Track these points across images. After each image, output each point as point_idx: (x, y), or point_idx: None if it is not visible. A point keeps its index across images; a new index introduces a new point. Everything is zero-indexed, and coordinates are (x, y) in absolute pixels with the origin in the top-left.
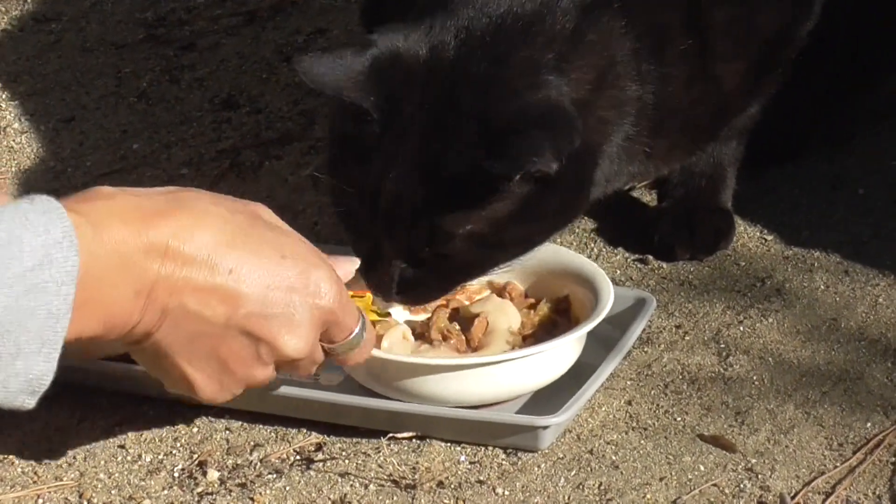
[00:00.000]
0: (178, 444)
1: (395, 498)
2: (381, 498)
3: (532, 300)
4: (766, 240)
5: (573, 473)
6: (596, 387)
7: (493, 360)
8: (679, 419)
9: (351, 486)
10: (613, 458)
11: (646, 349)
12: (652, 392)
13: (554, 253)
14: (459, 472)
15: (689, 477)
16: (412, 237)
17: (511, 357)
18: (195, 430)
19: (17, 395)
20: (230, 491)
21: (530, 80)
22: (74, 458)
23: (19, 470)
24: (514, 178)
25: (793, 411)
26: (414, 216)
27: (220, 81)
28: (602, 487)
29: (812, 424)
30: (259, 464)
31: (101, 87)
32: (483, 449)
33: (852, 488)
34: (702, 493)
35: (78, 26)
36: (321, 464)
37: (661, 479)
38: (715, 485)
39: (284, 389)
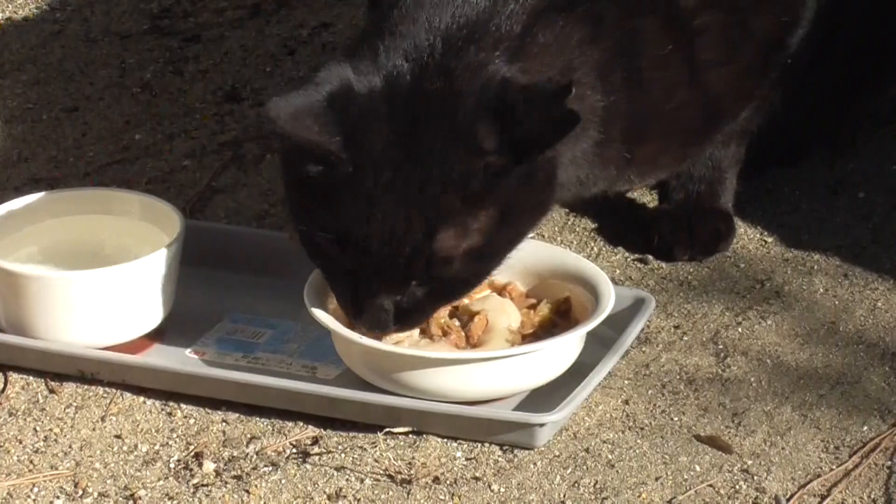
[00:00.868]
0: (175, 436)
1: (390, 493)
2: (376, 492)
3: (533, 300)
4: (766, 242)
5: (569, 471)
6: (593, 385)
7: (491, 356)
8: (676, 419)
9: (346, 480)
10: (609, 456)
11: (644, 349)
12: (649, 392)
13: (555, 255)
14: (455, 468)
15: (685, 477)
16: (409, 271)
17: (509, 353)
18: (192, 421)
19: None
20: (226, 483)
21: (485, 75)
22: (70, 447)
23: (15, 458)
24: (535, 152)
25: (790, 413)
26: (412, 251)
27: (223, 74)
28: (598, 486)
29: (809, 427)
30: (255, 456)
31: (105, 78)
32: (479, 445)
33: (848, 491)
34: (697, 493)
35: (82, 16)
36: (317, 457)
37: (656, 479)
38: (710, 485)
39: (281, 382)
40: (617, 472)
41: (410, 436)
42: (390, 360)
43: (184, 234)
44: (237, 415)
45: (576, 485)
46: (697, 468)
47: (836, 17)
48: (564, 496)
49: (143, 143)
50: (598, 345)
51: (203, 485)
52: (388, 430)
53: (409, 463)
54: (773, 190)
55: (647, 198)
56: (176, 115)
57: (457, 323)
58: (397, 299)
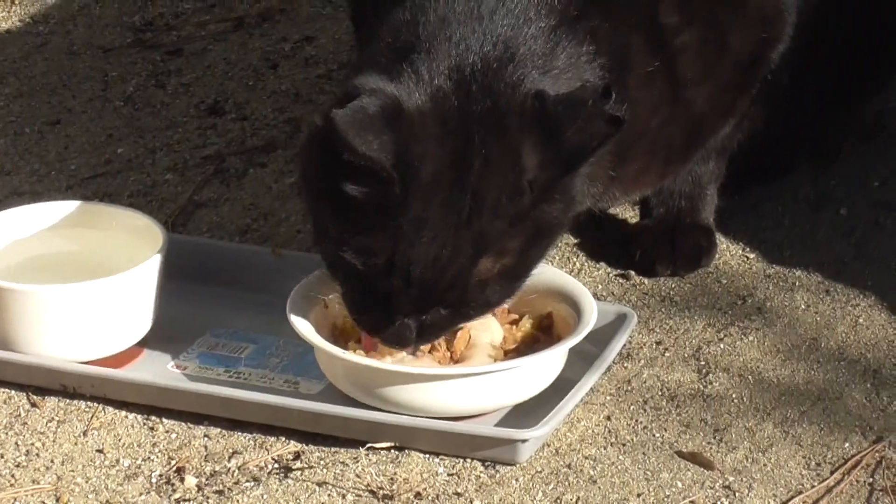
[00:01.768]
0: (157, 450)
1: None
2: None
3: (515, 316)
4: (748, 258)
5: (551, 487)
6: (575, 401)
7: (474, 372)
8: (658, 435)
9: (328, 495)
10: (591, 472)
11: (626, 365)
12: (631, 408)
13: (538, 271)
14: (437, 484)
15: (667, 493)
16: (445, 295)
17: (492, 369)
18: (174, 435)
19: None
20: (207, 498)
21: (523, 92)
22: (52, 461)
23: None
24: (600, 140)
25: (771, 430)
26: (453, 276)
27: (206, 87)
28: (579, 502)
29: (790, 443)
30: (237, 471)
31: (88, 91)
32: (461, 461)
33: None
34: None
35: (65, 29)
36: (299, 472)
37: (638, 496)
38: (692, 502)
39: (263, 397)
40: (599, 488)
41: (393, 451)
42: (373, 375)
43: (166, 249)
44: (219, 430)
45: (558, 501)
46: (679, 484)
47: (817, 32)
48: None
49: (125, 157)
50: (581, 360)
51: (185, 500)
52: (370, 445)
53: (392, 478)
54: (755, 205)
55: (629, 213)
56: (158, 128)
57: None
58: (422, 318)
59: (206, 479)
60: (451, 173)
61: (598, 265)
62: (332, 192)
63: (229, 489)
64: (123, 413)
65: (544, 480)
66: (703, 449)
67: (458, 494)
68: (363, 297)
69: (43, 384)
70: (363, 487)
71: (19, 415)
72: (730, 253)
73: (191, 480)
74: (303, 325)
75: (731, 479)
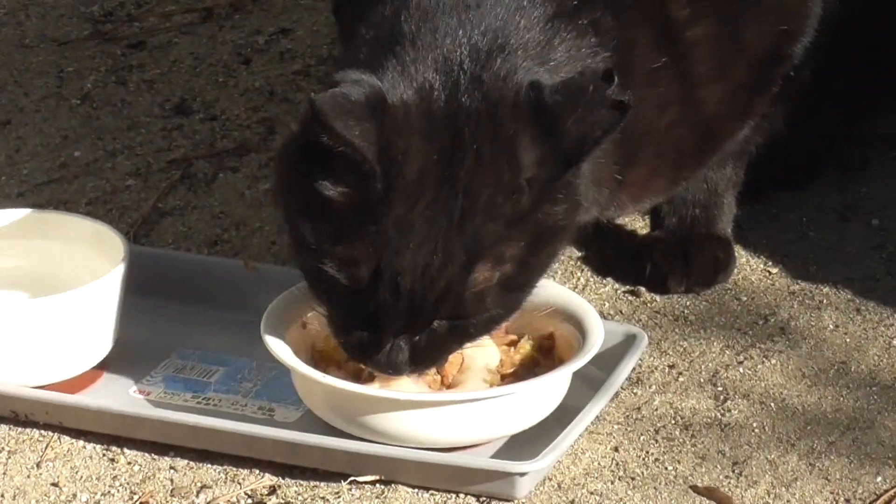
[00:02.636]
0: (118, 484)
1: None
2: None
3: (513, 337)
4: (770, 273)
5: None
6: (579, 431)
7: (467, 398)
8: (671, 468)
9: None
10: None
11: (635, 390)
12: (641, 438)
13: (538, 287)
14: None
15: None
16: (438, 308)
17: (487, 395)
18: (136, 468)
19: None
20: None
21: (517, 82)
22: (2, 496)
23: None
24: (607, 128)
25: (796, 462)
26: (445, 286)
27: (171, 84)
28: None
29: (817, 477)
30: None
31: (41, 88)
32: (454, 496)
33: None
34: None
35: (16, 20)
36: None
37: None
38: None
39: (235, 425)
40: None
41: (378, 486)
42: (356, 401)
43: (128, 261)
44: (186, 461)
45: None
46: None
47: (844, 25)
48: None
49: (82, 160)
50: (585, 386)
51: None
52: (353, 479)
53: None
54: (777, 216)
55: (638, 224)
56: (119, 129)
57: None
58: (415, 339)
59: None
60: (439, 171)
61: (604, 281)
62: (309, 198)
63: None
64: (81, 443)
65: None
66: (721, 483)
67: None
68: (349, 316)
69: None
70: None
71: None
72: (750, 267)
73: None
74: (278, 347)
75: None
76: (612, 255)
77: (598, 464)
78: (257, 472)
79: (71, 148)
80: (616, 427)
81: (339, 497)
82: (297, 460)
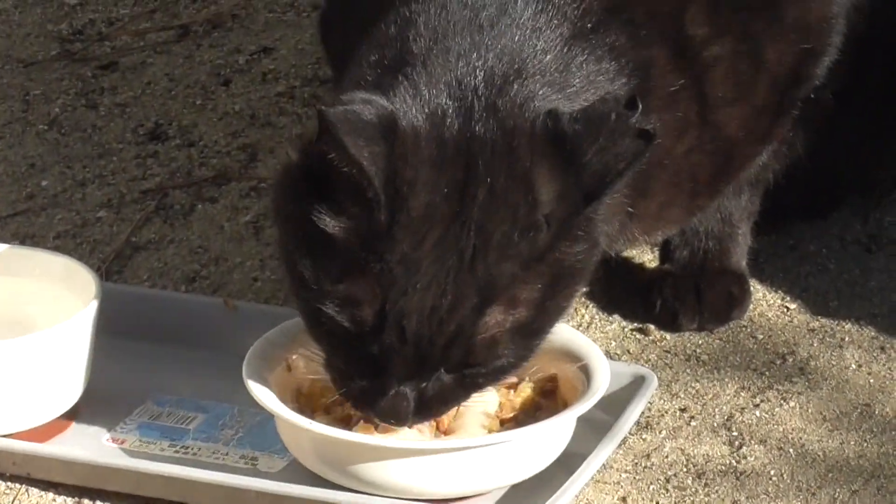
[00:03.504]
0: None
1: None
2: None
3: (513, 379)
4: (788, 308)
5: None
6: (585, 479)
7: (464, 446)
8: None
9: None
10: None
11: (644, 436)
12: (651, 487)
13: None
14: None
15: None
16: (447, 354)
17: (485, 442)
18: None
19: None
20: None
21: (534, 110)
22: None
23: None
24: (630, 161)
25: None
26: (455, 330)
27: (145, 108)
28: None
29: None
30: None
31: (6, 113)
32: None
33: None
34: None
35: None
36: None
37: None
38: None
39: (216, 476)
40: None
41: None
42: (346, 449)
43: (100, 300)
44: None
45: None
46: None
47: (869, 44)
48: None
49: (50, 191)
50: (591, 431)
51: None
52: None
53: None
54: (796, 247)
55: (647, 256)
56: (90, 156)
57: None
58: (422, 386)
59: None
60: (449, 205)
61: (611, 318)
62: (309, 232)
63: None
64: (51, 495)
65: None
66: None
67: None
68: (351, 363)
69: None
70: None
71: None
72: (766, 303)
73: None
74: (261, 391)
75: None
76: (619, 291)
77: None
78: None
79: (38, 177)
80: (624, 475)
81: None
82: None
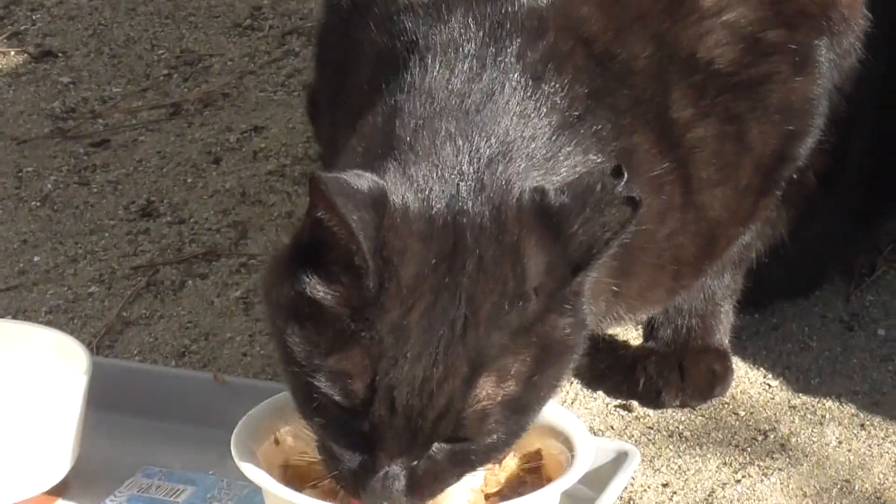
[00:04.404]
0: None
1: None
2: None
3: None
4: (770, 386)
5: None
6: None
7: None
8: None
9: None
10: None
11: None
12: None
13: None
14: None
15: None
16: (437, 428)
17: None
18: None
19: None
20: None
21: (520, 187)
22: None
23: None
24: (624, 228)
25: None
26: (446, 403)
27: (137, 185)
28: None
29: None
30: None
31: None
32: None
33: None
34: None
35: None
36: None
37: None
38: None
39: None
40: None
41: None
42: None
43: (90, 374)
44: None
45: None
46: None
47: (852, 126)
48: None
49: (42, 266)
50: None
51: None
52: None
53: None
54: (778, 325)
55: (631, 334)
56: (81, 233)
57: None
58: (413, 465)
59: None
60: (437, 276)
61: (594, 395)
62: (300, 308)
63: None
64: None
65: None
66: None
67: None
68: (341, 440)
69: None
70: None
71: None
72: (749, 380)
73: None
74: (250, 465)
75: None
76: (602, 367)
77: None
78: None
79: (30, 253)
80: None
81: None
82: None
